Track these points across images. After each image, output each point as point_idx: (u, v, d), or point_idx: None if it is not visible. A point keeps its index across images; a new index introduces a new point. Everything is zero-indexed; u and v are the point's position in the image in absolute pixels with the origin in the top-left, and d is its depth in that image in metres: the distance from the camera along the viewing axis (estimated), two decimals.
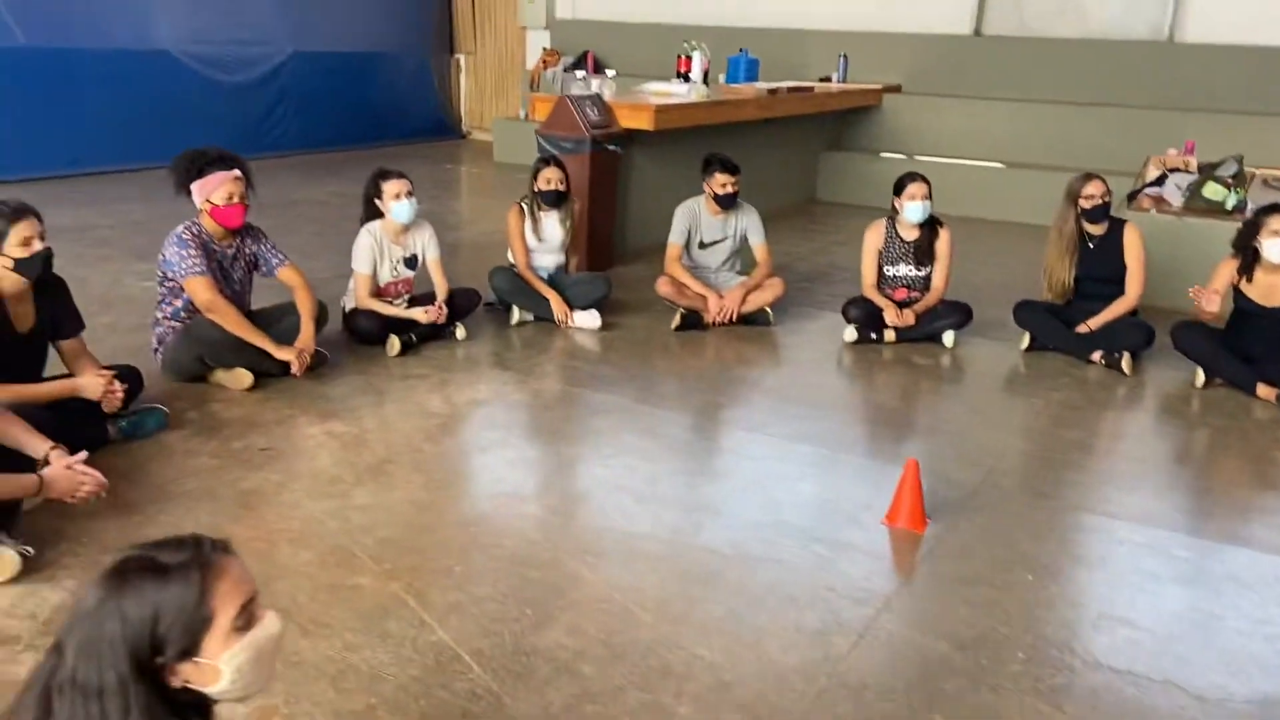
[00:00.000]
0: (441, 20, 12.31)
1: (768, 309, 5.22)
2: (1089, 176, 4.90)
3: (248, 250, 4.24)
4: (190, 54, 9.55)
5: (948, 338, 4.97)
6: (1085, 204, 4.84)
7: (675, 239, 5.26)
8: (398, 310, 4.67)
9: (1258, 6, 8.13)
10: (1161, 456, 3.91)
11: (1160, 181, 6.19)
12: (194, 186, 4.04)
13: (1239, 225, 4.59)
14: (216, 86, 9.79)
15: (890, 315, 4.91)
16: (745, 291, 5.15)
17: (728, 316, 5.11)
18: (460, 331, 4.82)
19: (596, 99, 6.18)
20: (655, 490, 3.36)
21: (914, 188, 4.92)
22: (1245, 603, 2.81)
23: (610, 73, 6.82)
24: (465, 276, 5.36)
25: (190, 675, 1.34)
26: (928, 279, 5.05)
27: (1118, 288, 4.83)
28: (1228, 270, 4.48)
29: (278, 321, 4.27)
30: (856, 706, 2.32)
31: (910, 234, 5.03)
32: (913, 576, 2.91)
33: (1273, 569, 2.99)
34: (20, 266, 3.22)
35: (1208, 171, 5.80)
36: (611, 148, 6.11)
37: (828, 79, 9.24)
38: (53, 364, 3.53)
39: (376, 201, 4.64)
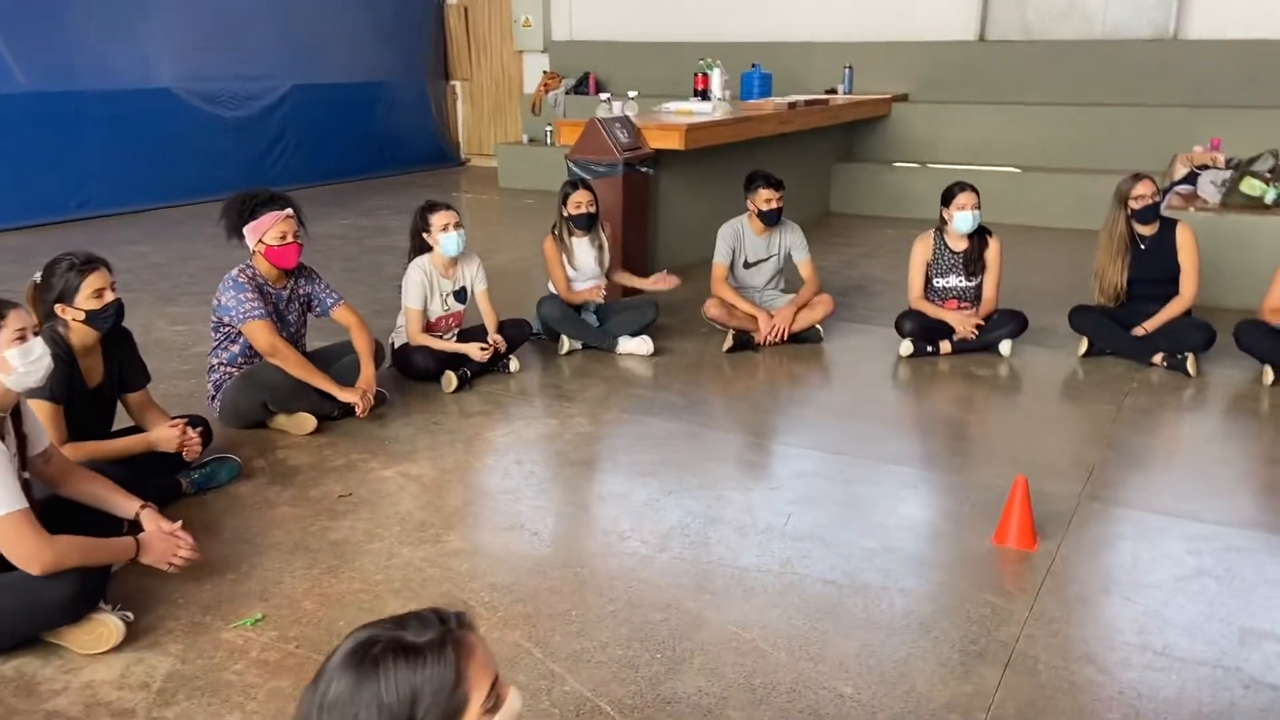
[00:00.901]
0: (437, 47, 12.25)
1: (818, 326, 5.15)
2: (1138, 177, 4.87)
3: (301, 290, 4.14)
4: (191, 91, 9.44)
5: (1004, 347, 4.92)
6: (1135, 205, 4.80)
7: (720, 259, 5.19)
8: (452, 345, 4.57)
9: (1260, 1, 8.18)
10: (1249, 458, 3.85)
11: (1191, 179, 6.19)
12: (247, 229, 3.94)
13: None
14: (218, 123, 9.67)
15: (960, 325, 4.85)
16: (795, 309, 5.09)
17: (779, 335, 5.04)
18: (514, 364, 4.72)
19: (625, 121, 6.12)
20: (754, 520, 3.28)
21: (963, 197, 4.87)
22: None
23: (632, 94, 6.77)
24: (502, 307, 5.26)
25: None
26: (978, 289, 5.00)
27: (1171, 288, 4.80)
28: None
29: (335, 361, 4.18)
30: None
31: (959, 244, 4.98)
32: (1038, 598, 2.83)
33: None
34: (91, 319, 3.11)
35: (1244, 167, 5.79)
36: (643, 169, 6.04)
37: (833, 91, 9.23)
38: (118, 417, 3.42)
39: (424, 235, 4.55)
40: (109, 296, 3.13)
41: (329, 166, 10.66)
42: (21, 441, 2.60)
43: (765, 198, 5.10)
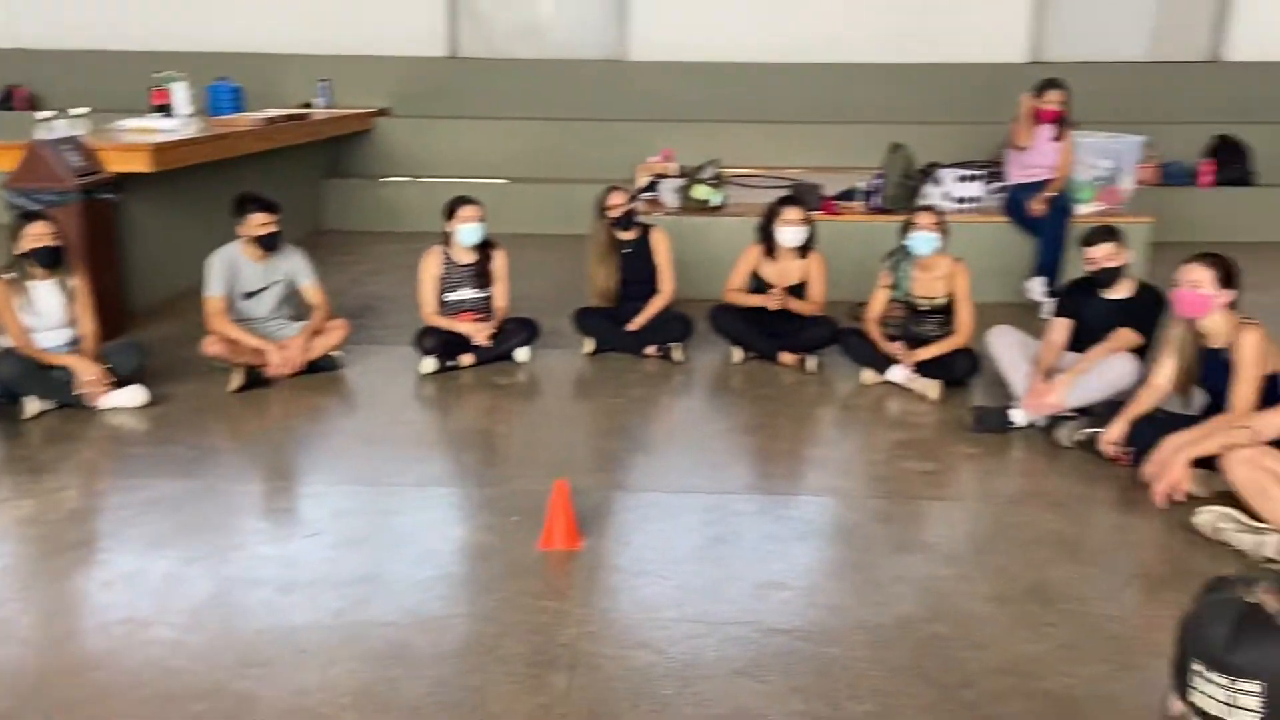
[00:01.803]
0: None
1: (333, 354, 4.95)
2: (612, 189, 5.34)
3: None
4: None
5: (522, 354, 5.12)
6: (612, 214, 5.26)
7: (214, 292, 4.76)
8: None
9: (699, 29, 9.37)
10: (735, 430, 4.41)
11: (653, 187, 6.94)
12: None
13: (735, 219, 5.32)
14: None
15: (475, 335, 4.95)
16: (307, 338, 4.83)
17: (292, 367, 4.75)
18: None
19: (74, 141, 5.34)
20: (297, 574, 3.05)
21: (465, 210, 4.98)
22: (855, 543, 3.30)
23: (81, 110, 5.91)
24: None
25: None
26: (490, 300, 5.15)
27: (655, 286, 5.34)
28: (752, 255, 5.16)
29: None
30: None
31: (467, 257, 5.08)
32: (590, 594, 2.98)
33: (859, 507, 3.55)
34: None
35: (693, 175, 6.61)
36: (106, 196, 5.33)
37: (308, 105, 8.92)
38: None
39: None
40: None
41: None
42: None
43: (259, 222, 4.77)
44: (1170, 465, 3.41)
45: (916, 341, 4.80)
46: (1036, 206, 6.11)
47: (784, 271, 5.13)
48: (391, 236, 8.37)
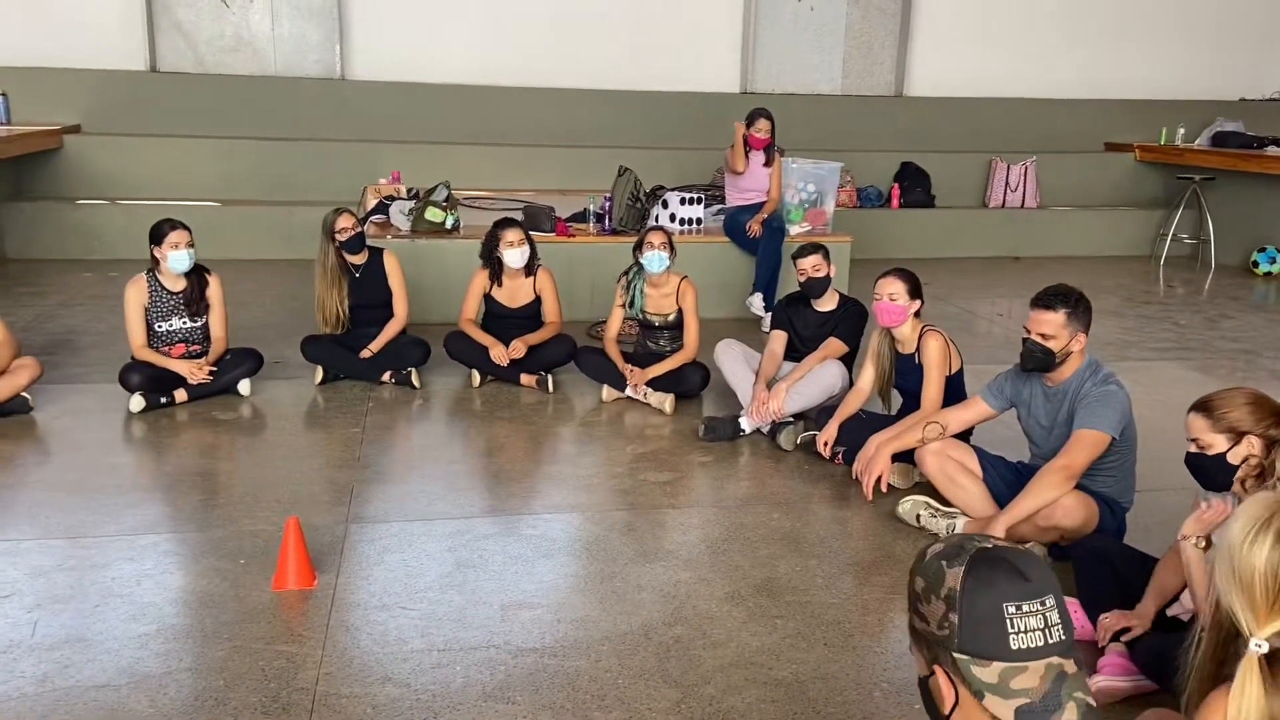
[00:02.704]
0: None
1: (25, 394, 4.45)
2: (340, 211, 5.17)
3: None
4: None
5: (244, 386, 4.83)
6: (340, 237, 5.09)
7: None
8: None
9: (422, 49, 9.23)
10: (475, 452, 4.38)
11: (383, 209, 6.78)
12: None
13: (469, 241, 5.31)
14: None
15: (189, 373, 4.60)
16: None
17: None
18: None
19: None
20: None
21: (175, 235, 4.65)
22: (599, 556, 3.37)
23: None
24: None
25: None
26: (205, 330, 4.82)
27: (389, 311, 5.21)
28: (479, 281, 5.15)
29: None
30: None
31: (176, 285, 4.74)
32: (328, 633, 2.85)
33: (623, 519, 3.63)
34: None
35: (425, 197, 6.53)
36: None
37: None
38: None
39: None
40: None
41: None
42: None
43: None
44: (874, 461, 3.74)
45: (651, 356, 4.99)
46: (753, 227, 6.53)
47: (514, 293, 5.17)
48: (86, 264, 7.65)
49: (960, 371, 4.09)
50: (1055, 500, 3.16)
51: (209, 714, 2.46)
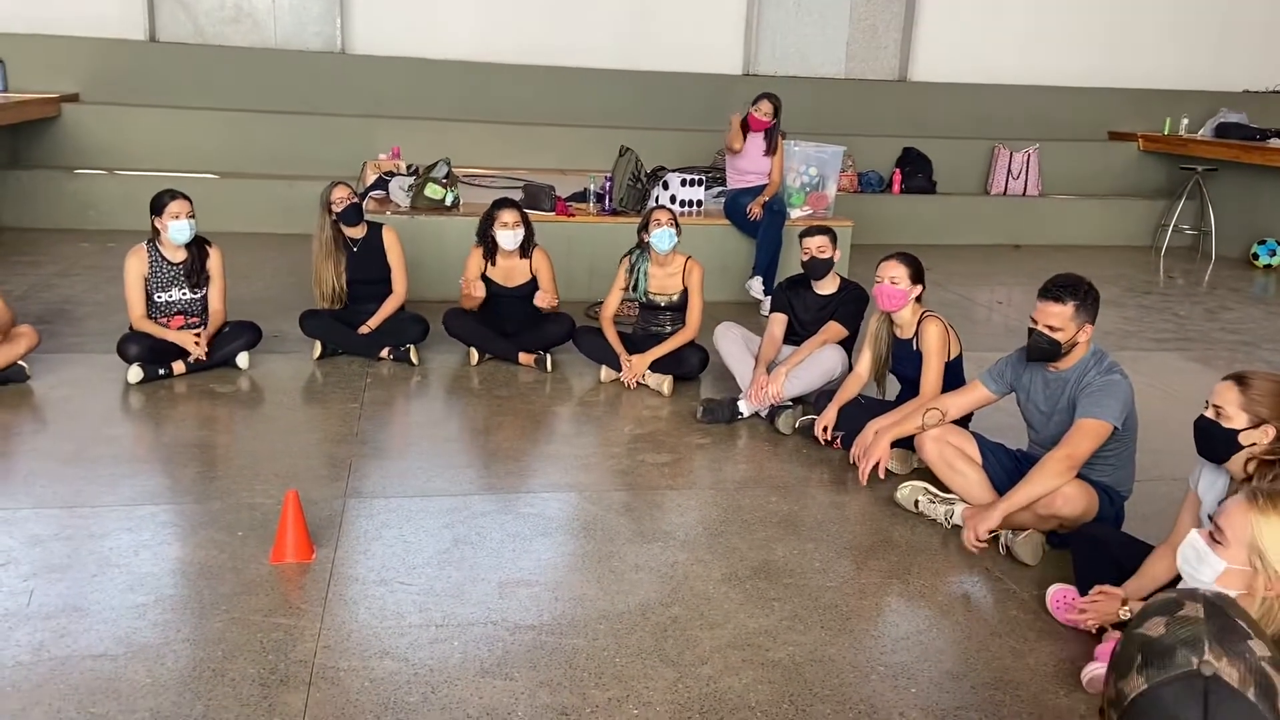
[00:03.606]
0: None
1: (22, 363, 4.43)
2: (336, 183, 5.14)
3: None
4: None
5: (242, 359, 4.81)
6: (335, 207, 5.06)
7: None
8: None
9: (424, 25, 9.17)
10: (472, 431, 4.36)
11: (382, 184, 6.74)
12: None
13: (469, 218, 5.28)
14: None
15: (189, 345, 4.58)
16: None
17: None
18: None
19: None
20: None
21: (175, 205, 4.62)
22: (597, 535, 3.37)
23: None
24: None
25: None
26: (204, 301, 4.80)
27: (385, 287, 5.18)
28: (475, 260, 5.13)
29: None
30: None
31: (177, 256, 4.71)
32: (326, 607, 2.85)
33: (595, 501, 3.64)
34: None
35: (425, 174, 6.49)
36: None
37: None
38: None
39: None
40: None
41: None
42: None
43: None
44: (873, 447, 3.74)
45: (650, 338, 4.98)
46: (754, 210, 6.50)
47: (510, 273, 5.14)
48: (83, 234, 7.61)
49: (959, 358, 4.08)
50: (1056, 489, 3.16)
51: (206, 684, 2.46)
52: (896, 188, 9.31)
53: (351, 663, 2.59)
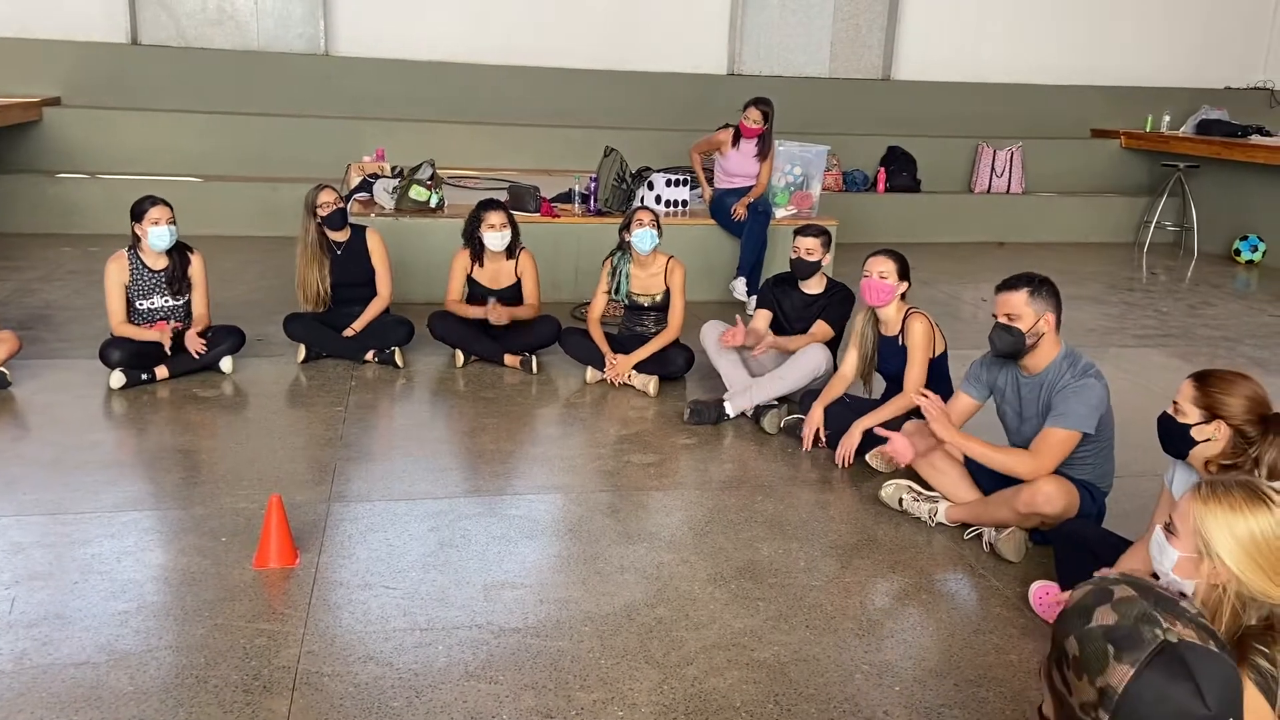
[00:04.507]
0: None
1: (3, 369, 4.40)
2: (322, 186, 5.12)
3: None
4: None
5: (226, 364, 4.79)
6: (322, 212, 5.05)
7: None
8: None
9: (408, 26, 9.16)
10: (458, 433, 4.36)
11: (366, 186, 6.72)
12: None
13: (454, 220, 5.27)
14: None
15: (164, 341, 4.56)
16: None
17: None
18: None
19: None
20: None
21: (156, 211, 4.59)
22: (582, 537, 3.37)
23: None
24: None
25: None
26: (188, 307, 4.78)
27: (370, 289, 5.17)
28: (461, 262, 5.13)
29: None
30: None
31: (158, 262, 4.69)
32: (310, 612, 2.85)
33: (604, 500, 3.64)
34: None
35: (409, 175, 6.47)
36: None
37: None
38: None
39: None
40: None
41: None
42: None
43: None
44: (850, 435, 3.82)
45: (635, 339, 4.98)
46: (739, 210, 6.51)
47: (496, 275, 5.14)
48: (64, 239, 7.57)
49: (944, 355, 4.10)
50: (1013, 473, 3.23)
51: (189, 692, 2.45)
52: (881, 186, 9.34)
53: (335, 668, 2.58)
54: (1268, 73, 10.98)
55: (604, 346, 4.89)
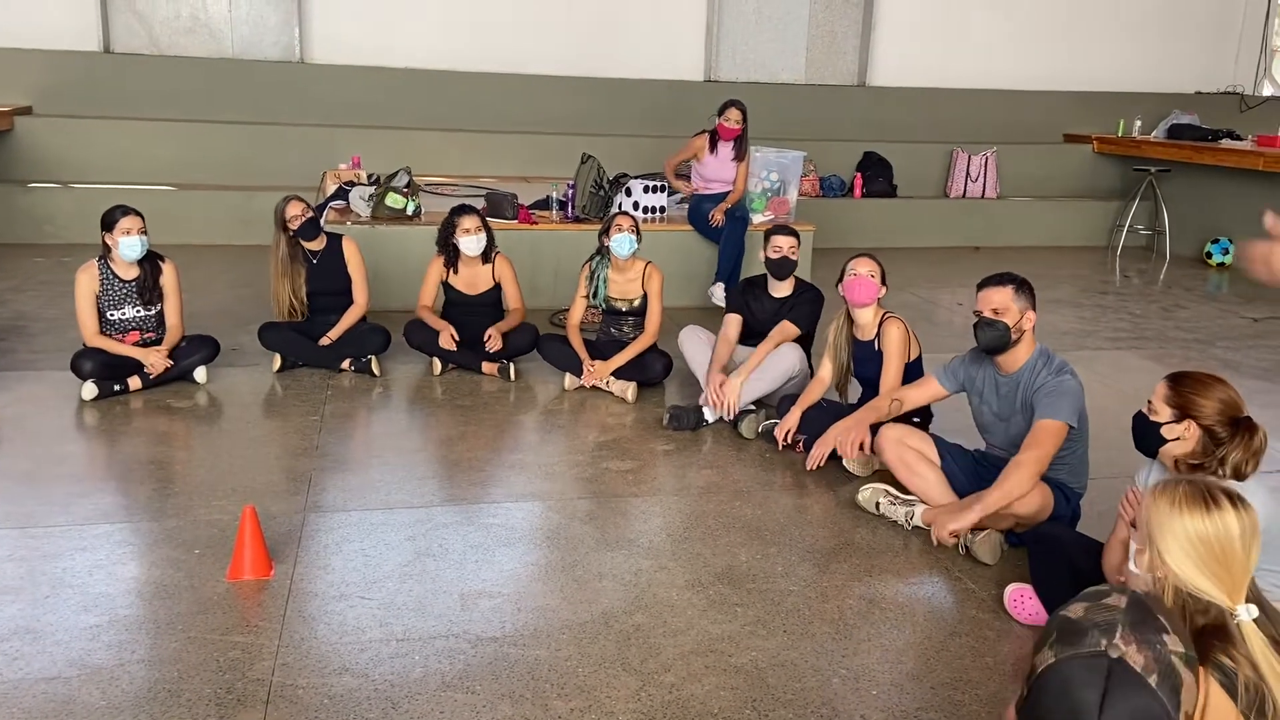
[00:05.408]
0: None
1: None
2: (290, 198, 5.08)
3: None
4: None
5: (199, 374, 4.76)
6: (292, 225, 5.02)
7: None
8: None
9: (383, 33, 9.12)
10: (434, 441, 4.34)
11: (342, 194, 6.70)
12: None
13: (431, 227, 5.26)
14: None
15: (149, 362, 4.51)
16: None
17: None
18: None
19: None
20: None
21: (126, 221, 4.55)
22: (560, 544, 3.37)
23: None
24: None
25: None
26: (160, 317, 4.74)
27: (346, 298, 5.15)
28: (436, 268, 5.11)
29: None
30: None
31: (129, 272, 4.65)
32: (284, 624, 2.82)
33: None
34: None
35: (386, 183, 6.45)
36: None
37: None
38: None
39: None
40: None
41: None
42: None
43: None
44: (823, 442, 3.81)
45: (614, 344, 4.98)
46: (716, 216, 6.52)
47: (473, 280, 5.13)
48: (36, 249, 7.49)
49: (919, 359, 4.13)
50: (1028, 491, 3.19)
51: (162, 706, 2.43)
52: (858, 192, 9.39)
53: (310, 680, 2.56)
54: (1237, 78, 11.12)
55: (583, 353, 4.89)
